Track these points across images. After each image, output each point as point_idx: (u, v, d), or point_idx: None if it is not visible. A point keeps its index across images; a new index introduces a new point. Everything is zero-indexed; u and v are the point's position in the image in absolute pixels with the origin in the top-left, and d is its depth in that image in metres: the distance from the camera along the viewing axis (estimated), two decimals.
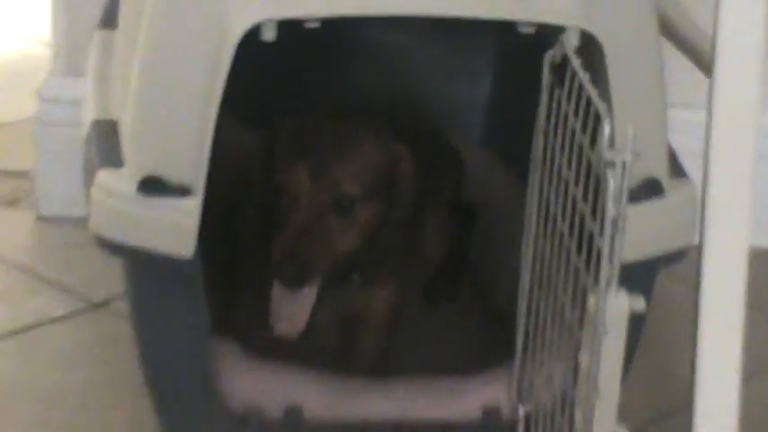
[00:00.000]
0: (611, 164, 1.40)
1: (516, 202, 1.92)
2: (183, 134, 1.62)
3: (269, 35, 1.58)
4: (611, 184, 1.40)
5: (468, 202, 1.99)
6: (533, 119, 1.71)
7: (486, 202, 2.03)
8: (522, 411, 1.72)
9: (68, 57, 2.36)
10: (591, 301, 1.45)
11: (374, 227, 1.80)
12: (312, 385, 1.74)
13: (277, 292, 1.78)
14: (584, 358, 1.49)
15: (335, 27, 1.59)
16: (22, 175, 2.50)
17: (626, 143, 1.42)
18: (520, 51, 1.74)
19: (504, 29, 1.64)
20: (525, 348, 1.73)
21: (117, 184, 1.64)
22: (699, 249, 1.72)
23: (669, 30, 1.78)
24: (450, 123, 2.00)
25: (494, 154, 2.18)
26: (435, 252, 1.95)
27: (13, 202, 2.47)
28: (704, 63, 1.75)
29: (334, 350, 1.89)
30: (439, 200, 1.88)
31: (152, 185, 1.61)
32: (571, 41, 1.59)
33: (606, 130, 1.42)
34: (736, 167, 1.72)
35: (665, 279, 1.71)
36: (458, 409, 1.74)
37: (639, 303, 1.45)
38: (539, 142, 1.68)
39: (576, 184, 1.53)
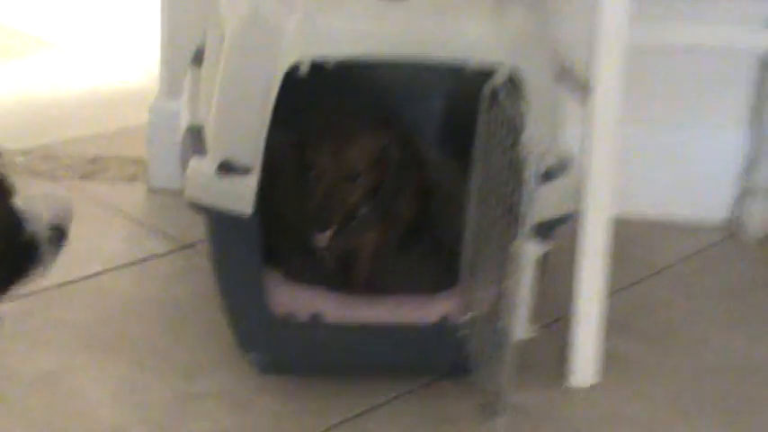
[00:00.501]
0: (528, 157, 1.48)
1: (458, 183, 1.94)
2: (246, 134, 1.69)
3: (304, 69, 1.63)
4: (528, 170, 1.49)
5: (427, 181, 2.01)
6: (471, 128, 1.77)
7: (440, 184, 2.04)
8: (466, 318, 1.75)
9: (169, 84, 2.39)
10: (514, 245, 1.53)
11: (372, 190, 1.83)
12: (328, 299, 1.78)
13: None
14: (509, 283, 1.56)
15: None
16: (139, 160, 2.52)
17: (537, 142, 1.50)
18: (465, 81, 1.73)
19: (455, 66, 1.69)
20: (469, 277, 1.79)
21: (203, 167, 1.72)
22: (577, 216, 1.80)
23: (561, 69, 1.81)
24: (414, 130, 2.00)
25: (445, 151, 2.15)
26: (407, 213, 1.91)
27: (132, 178, 2.45)
28: (583, 90, 1.80)
29: (339, 275, 1.89)
30: (409, 180, 1.89)
31: (226, 167, 1.69)
32: (502, 75, 1.66)
33: (525, 135, 1.51)
34: (602, 160, 1.78)
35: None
36: (423, 315, 1.78)
37: (544, 248, 1.54)
38: (479, 143, 1.74)
39: (505, 170, 1.59)
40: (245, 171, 1.68)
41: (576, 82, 1.85)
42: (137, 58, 3.25)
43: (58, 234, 1.47)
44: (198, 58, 2.12)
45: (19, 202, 1.43)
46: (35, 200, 1.45)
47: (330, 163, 1.79)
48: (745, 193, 2.38)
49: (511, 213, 1.57)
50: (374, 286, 1.89)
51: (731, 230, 2.38)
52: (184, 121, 1.94)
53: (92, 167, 2.55)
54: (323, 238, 1.82)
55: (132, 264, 2.15)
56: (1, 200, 1.43)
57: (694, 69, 2.33)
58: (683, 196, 2.37)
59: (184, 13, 2.36)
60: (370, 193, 1.84)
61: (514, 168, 1.55)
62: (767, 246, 2.34)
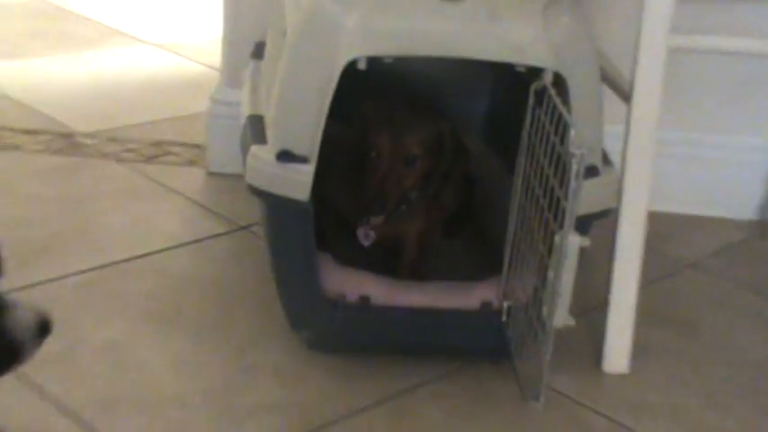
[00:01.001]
0: (574, 155, 1.47)
1: (502, 176, 1.96)
2: (305, 124, 1.67)
3: (362, 65, 1.62)
4: (574, 167, 1.47)
5: (471, 174, 2.01)
6: (515, 125, 1.76)
7: (483, 176, 2.03)
8: (506, 305, 1.75)
9: (230, 76, 2.39)
10: (557, 238, 1.52)
11: (426, 175, 1.82)
12: (376, 282, 1.77)
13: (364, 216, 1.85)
14: (550, 274, 1.56)
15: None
16: (198, 146, 2.54)
17: (582, 143, 1.49)
18: (512, 81, 1.75)
19: (502, 66, 1.67)
20: (510, 267, 1.77)
21: (263, 154, 1.71)
22: (617, 210, 1.79)
23: (603, 73, 1.80)
24: (460, 125, 1.99)
25: (488, 146, 2.17)
26: (451, 203, 1.92)
27: (192, 163, 2.45)
28: (624, 94, 1.80)
29: (385, 260, 1.88)
30: (455, 170, 1.89)
31: (285, 156, 1.68)
32: (548, 77, 1.64)
33: (572, 134, 1.49)
34: (641, 160, 1.78)
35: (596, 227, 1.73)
36: (466, 301, 1.77)
37: (585, 241, 1.53)
38: (525, 139, 1.72)
39: (549, 166, 1.59)
40: (302, 160, 1.67)
41: (618, 84, 1.84)
42: (200, 50, 3.27)
43: (43, 325, 1.37)
44: (258, 52, 2.12)
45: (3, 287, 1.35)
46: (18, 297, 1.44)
47: (390, 146, 1.79)
48: None
49: (555, 206, 1.56)
50: (419, 272, 1.87)
51: (760, 229, 2.37)
52: (245, 111, 1.93)
53: (154, 151, 2.55)
54: (378, 222, 1.83)
55: (191, 243, 2.15)
56: None
57: (728, 74, 2.32)
58: (715, 195, 2.35)
59: (245, 9, 2.36)
60: (420, 180, 1.83)
61: (560, 164, 1.54)
62: None
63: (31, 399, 1.63)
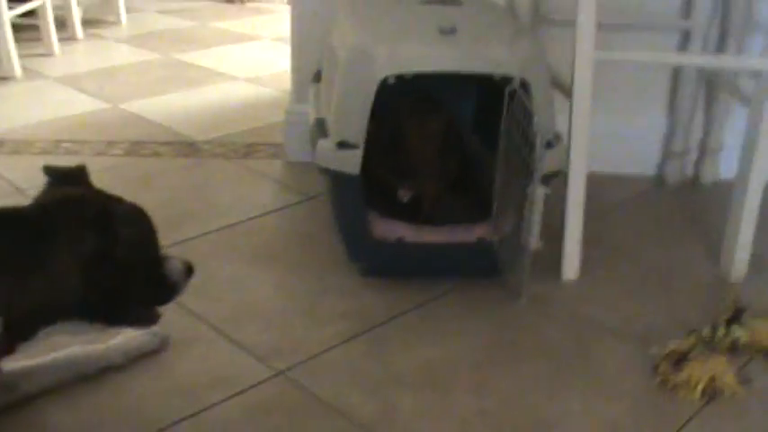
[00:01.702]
0: (537, 134, 1.48)
1: (484, 154, 1.91)
2: (354, 123, 1.65)
3: (391, 80, 1.61)
4: (538, 141, 1.48)
5: (465, 150, 1.97)
6: (493, 117, 1.72)
7: (473, 153, 2.01)
8: (496, 238, 1.72)
9: (298, 95, 2.23)
10: (529, 189, 1.52)
11: (440, 149, 1.79)
12: (406, 227, 1.73)
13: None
14: (526, 213, 1.55)
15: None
16: (277, 144, 2.40)
17: (541, 125, 1.49)
18: (491, 86, 1.69)
19: (483, 77, 1.66)
20: (497, 212, 1.75)
21: (327, 144, 1.69)
22: (567, 171, 1.76)
23: (553, 80, 1.77)
24: (456, 119, 1.96)
25: (474, 133, 2.11)
26: (454, 171, 1.84)
27: (274, 156, 2.41)
28: (567, 93, 1.76)
29: (412, 211, 1.82)
30: (456, 148, 1.87)
31: (342, 145, 1.66)
32: (517, 82, 1.62)
33: (536, 120, 1.50)
34: (581, 136, 1.74)
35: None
36: (467, 237, 1.73)
37: (547, 190, 1.54)
38: (503, 125, 1.69)
39: (522, 142, 1.57)
40: (354, 147, 1.66)
41: (563, 87, 1.81)
42: (273, 80, 3.24)
43: (189, 266, 1.38)
44: (317, 77, 2.09)
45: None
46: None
47: (419, 128, 1.77)
48: (665, 156, 2.33)
49: (526, 169, 1.54)
50: (434, 218, 1.83)
51: (657, 182, 2.34)
52: (312, 116, 1.91)
53: (248, 149, 2.51)
54: (413, 184, 1.80)
55: (278, 209, 2.12)
56: (152, 239, 1.34)
57: (634, 76, 2.29)
58: (628, 158, 2.32)
59: (306, 49, 2.30)
60: (437, 152, 1.79)
61: (528, 140, 1.53)
62: (680, 193, 2.29)
63: (183, 316, 1.63)
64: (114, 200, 1.31)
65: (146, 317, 1.38)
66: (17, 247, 1.19)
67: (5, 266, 1.17)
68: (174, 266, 1.37)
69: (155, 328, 1.49)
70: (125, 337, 1.50)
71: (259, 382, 1.44)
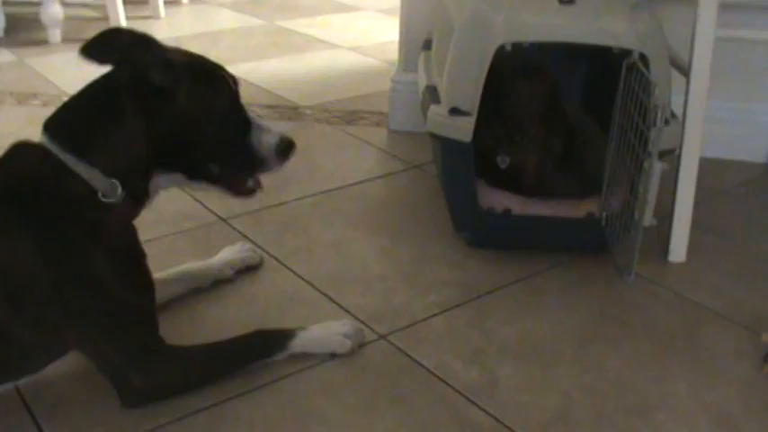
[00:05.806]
0: (658, 106, 1.45)
1: (594, 129, 1.92)
2: (468, 90, 1.65)
3: (508, 48, 1.60)
4: (659, 114, 1.46)
5: (572, 128, 1.96)
6: (605, 92, 1.72)
7: (581, 129, 1.99)
8: (605, 214, 1.71)
9: (405, 63, 2.34)
10: (646, 164, 1.50)
11: (541, 116, 1.77)
12: (514, 199, 1.73)
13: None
14: (641, 189, 1.53)
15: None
16: (381, 113, 2.49)
17: (661, 99, 1.46)
18: (601, 64, 1.70)
19: (600, 49, 1.62)
20: (607, 187, 1.72)
21: (439, 110, 1.70)
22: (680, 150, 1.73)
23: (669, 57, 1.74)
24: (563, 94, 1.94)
25: (582, 109, 2.07)
26: (558, 146, 1.82)
27: (378, 124, 2.41)
28: (684, 72, 1.73)
29: (515, 184, 1.79)
30: (557, 121, 1.85)
31: (454, 111, 1.66)
32: (635, 55, 1.60)
33: (657, 92, 1.47)
34: (695, 117, 1.71)
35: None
36: (576, 212, 1.73)
37: (665, 166, 1.52)
38: (618, 99, 1.67)
39: (638, 116, 1.55)
40: (467, 114, 1.65)
41: (680, 64, 1.77)
42: (375, 50, 3.25)
43: (287, 144, 1.32)
44: (427, 45, 2.09)
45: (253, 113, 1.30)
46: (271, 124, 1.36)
47: (524, 87, 1.74)
48: None
49: (641, 145, 1.52)
50: (539, 192, 1.80)
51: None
52: (422, 83, 1.91)
53: (352, 117, 2.54)
54: (514, 151, 1.78)
55: (381, 176, 2.14)
56: (223, 96, 1.29)
57: (749, 59, 2.22)
58: (737, 143, 2.28)
59: (415, 17, 2.31)
60: (538, 116, 1.76)
61: (646, 115, 1.51)
62: None
63: (287, 277, 1.67)
64: (195, 55, 1.31)
65: (236, 185, 1.35)
66: (99, 111, 1.23)
67: (97, 133, 1.22)
68: (266, 140, 1.31)
69: (251, 247, 1.67)
70: (230, 252, 1.65)
71: (361, 346, 1.46)
